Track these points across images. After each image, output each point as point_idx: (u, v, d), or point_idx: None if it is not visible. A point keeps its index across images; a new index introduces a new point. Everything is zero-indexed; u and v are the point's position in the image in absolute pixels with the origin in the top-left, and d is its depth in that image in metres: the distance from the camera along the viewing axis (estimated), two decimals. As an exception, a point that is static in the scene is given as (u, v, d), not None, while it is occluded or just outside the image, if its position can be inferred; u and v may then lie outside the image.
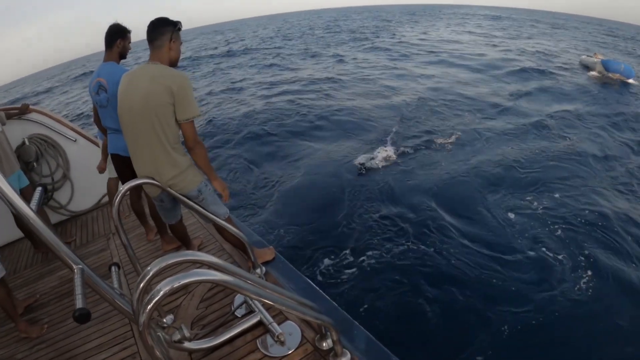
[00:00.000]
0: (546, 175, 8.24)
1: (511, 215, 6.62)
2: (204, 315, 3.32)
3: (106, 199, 5.98)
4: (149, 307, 1.47)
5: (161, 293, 1.47)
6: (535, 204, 7.03)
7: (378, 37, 38.73)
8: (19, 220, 4.14)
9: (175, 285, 1.50)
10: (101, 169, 4.51)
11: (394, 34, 40.59)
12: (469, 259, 5.56)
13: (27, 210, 1.55)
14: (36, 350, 3.57)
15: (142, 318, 1.49)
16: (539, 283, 5.11)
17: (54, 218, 5.90)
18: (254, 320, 3.01)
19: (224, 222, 3.22)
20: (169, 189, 3.02)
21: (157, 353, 1.72)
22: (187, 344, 2.64)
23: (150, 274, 1.60)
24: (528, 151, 9.62)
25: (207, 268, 1.67)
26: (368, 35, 40.89)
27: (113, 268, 2.41)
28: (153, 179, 2.99)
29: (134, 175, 3.26)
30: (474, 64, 21.96)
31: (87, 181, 5.86)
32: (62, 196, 5.95)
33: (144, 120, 2.85)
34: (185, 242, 3.85)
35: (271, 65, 26.04)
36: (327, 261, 5.63)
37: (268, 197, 8.02)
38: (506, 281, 5.12)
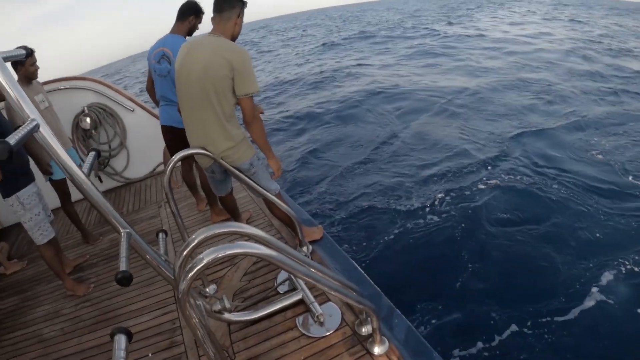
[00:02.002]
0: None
1: None
2: (246, 288, 3.38)
3: (160, 168, 6.16)
4: (190, 274, 1.49)
5: (204, 262, 1.48)
6: None
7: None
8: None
9: (218, 256, 1.51)
10: None
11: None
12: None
13: (79, 174, 1.59)
14: (81, 307, 3.77)
15: (182, 285, 1.51)
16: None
17: (109, 184, 6.16)
18: (295, 298, 3.02)
19: (274, 197, 3.23)
20: (221, 160, 3.05)
21: (195, 320, 1.75)
22: (226, 315, 2.68)
23: (195, 242, 1.62)
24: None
25: (253, 241, 1.66)
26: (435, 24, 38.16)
27: (160, 234, 2.47)
28: (206, 149, 3.03)
29: (184, 147, 3.33)
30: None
31: (142, 150, 6.05)
32: (118, 163, 6.21)
33: (201, 90, 2.88)
34: (234, 214, 3.90)
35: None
36: (375, 245, 5.56)
37: (325, 178, 7.99)
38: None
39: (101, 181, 6.10)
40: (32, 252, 3.90)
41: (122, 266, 1.56)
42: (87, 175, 1.64)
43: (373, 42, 28.80)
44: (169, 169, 2.92)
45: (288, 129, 11.67)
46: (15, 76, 1.43)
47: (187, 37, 3.94)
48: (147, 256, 1.87)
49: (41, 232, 3.70)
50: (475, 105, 11.39)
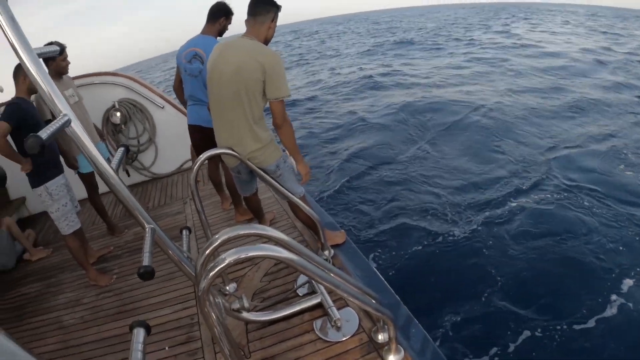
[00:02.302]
0: None
1: None
2: (266, 288, 3.41)
3: (187, 165, 6.25)
4: (212, 274, 1.51)
5: (225, 262, 1.50)
6: None
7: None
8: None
9: (240, 257, 1.53)
10: None
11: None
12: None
13: (108, 169, 1.63)
14: (102, 297, 3.86)
15: (203, 284, 1.53)
16: None
17: (137, 178, 6.27)
18: (314, 301, 3.03)
19: (298, 200, 3.24)
20: (247, 161, 3.08)
21: (213, 318, 1.76)
22: (244, 314, 2.69)
23: (218, 241, 1.65)
24: None
25: (274, 244, 1.68)
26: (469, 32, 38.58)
27: (184, 231, 2.51)
28: (232, 149, 3.07)
29: (212, 147, 3.37)
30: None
31: (170, 147, 6.15)
32: (146, 158, 6.34)
33: (232, 91, 2.92)
34: (258, 215, 3.93)
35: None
36: (398, 254, 5.53)
37: (353, 183, 7.98)
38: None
39: (129, 175, 6.23)
40: (58, 240, 4.00)
41: (145, 261, 1.59)
42: (116, 171, 1.68)
43: (415, 49, 28.73)
44: (195, 167, 2.96)
45: (322, 133, 11.71)
46: (46, 72, 1.48)
47: (218, 38, 4.01)
48: (170, 252, 1.91)
49: (67, 223, 3.80)
50: (512, 118, 11.20)
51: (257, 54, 2.83)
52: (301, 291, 3.26)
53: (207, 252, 1.66)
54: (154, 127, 6.21)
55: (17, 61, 1.47)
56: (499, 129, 10.37)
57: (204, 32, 3.94)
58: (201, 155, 2.99)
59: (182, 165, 6.34)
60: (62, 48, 2.00)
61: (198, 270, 1.67)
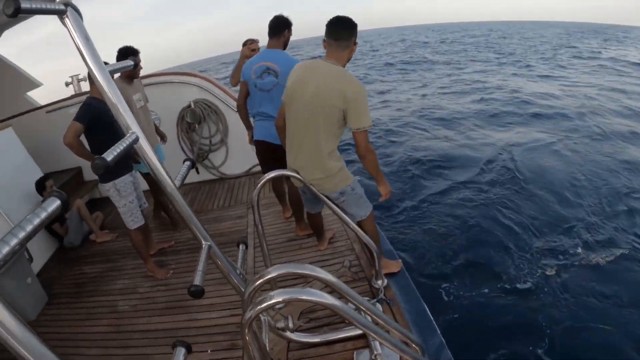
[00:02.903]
0: None
1: None
2: (313, 309, 3.43)
3: (255, 169, 6.38)
4: (259, 307, 1.53)
5: (272, 300, 1.53)
6: None
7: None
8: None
9: (291, 297, 1.56)
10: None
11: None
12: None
13: (171, 184, 1.70)
14: (156, 289, 4.04)
15: (249, 314, 1.57)
16: None
17: (205, 176, 6.51)
18: (358, 331, 3.00)
19: (356, 227, 3.25)
20: (311, 186, 3.12)
21: (253, 346, 1.81)
22: (288, 333, 2.74)
23: (269, 276, 1.68)
24: None
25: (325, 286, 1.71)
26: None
27: (241, 246, 2.58)
28: (299, 172, 3.12)
29: (277, 163, 3.54)
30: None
31: (241, 149, 6.31)
32: (216, 158, 6.60)
33: (309, 115, 2.95)
34: (318, 232, 3.98)
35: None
36: (454, 293, 5.40)
37: (422, 211, 7.79)
38: None
39: (198, 172, 6.45)
40: (123, 226, 4.19)
41: (197, 280, 1.64)
42: (179, 187, 1.76)
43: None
44: (259, 185, 3.02)
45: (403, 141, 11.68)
46: (117, 90, 1.58)
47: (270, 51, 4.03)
48: (223, 268, 1.96)
49: (132, 219, 3.99)
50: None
51: (341, 82, 2.82)
52: (347, 317, 3.26)
53: (257, 283, 1.69)
54: (226, 129, 6.42)
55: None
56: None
57: (270, 46, 3.98)
58: (266, 175, 3.04)
59: (250, 169, 6.50)
60: (136, 63, 2.11)
61: (246, 297, 1.72)
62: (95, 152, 3.71)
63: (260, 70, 3.90)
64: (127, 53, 4.05)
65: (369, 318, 1.86)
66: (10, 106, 6.91)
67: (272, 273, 1.67)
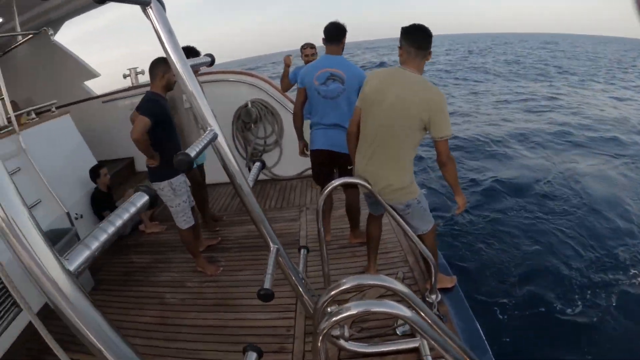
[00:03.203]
0: None
1: None
2: (366, 318, 3.33)
3: (308, 172, 6.31)
4: (334, 319, 1.48)
5: (349, 312, 1.49)
6: None
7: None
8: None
9: (368, 310, 1.53)
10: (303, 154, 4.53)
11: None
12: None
13: (245, 185, 1.67)
14: (205, 285, 4.01)
15: (323, 325, 1.52)
16: None
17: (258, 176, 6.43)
18: (411, 345, 2.93)
19: (417, 239, 3.15)
20: (378, 196, 3.04)
21: (322, 356, 1.75)
22: (341, 342, 2.67)
23: (344, 286, 1.65)
24: None
25: (397, 297, 1.64)
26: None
27: (302, 251, 2.52)
28: (367, 180, 3.05)
29: (335, 173, 3.70)
30: None
31: (295, 151, 6.22)
32: (269, 159, 6.57)
33: (389, 123, 2.89)
34: (375, 241, 3.84)
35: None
36: (507, 313, 5.23)
37: (479, 227, 7.60)
38: None
39: (250, 171, 6.34)
40: (173, 219, 4.20)
41: (267, 283, 1.63)
42: (251, 187, 1.72)
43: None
44: (326, 191, 2.95)
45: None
46: (199, 85, 1.55)
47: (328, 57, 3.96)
48: (289, 272, 1.92)
49: (185, 219, 3.95)
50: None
51: (424, 91, 2.80)
52: (400, 330, 3.16)
53: (332, 293, 1.65)
54: (282, 130, 6.39)
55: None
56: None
57: (331, 52, 3.88)
58: (334, 182, 2.99)
59: (303, 172, 6.44)
60: (213, 59, 2.07)
61: (319, 305, 1.66)
62: (153, 149, 3.68)
63: (324, 77, 3.79)
64: (187, 53, 4.09)
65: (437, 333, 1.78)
66: (69, 94, 7.10)
67: (350, 283, 1.63)
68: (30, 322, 3.68)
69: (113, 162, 6.51)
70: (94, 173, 5.14)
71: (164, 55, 1.54)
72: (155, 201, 1.11)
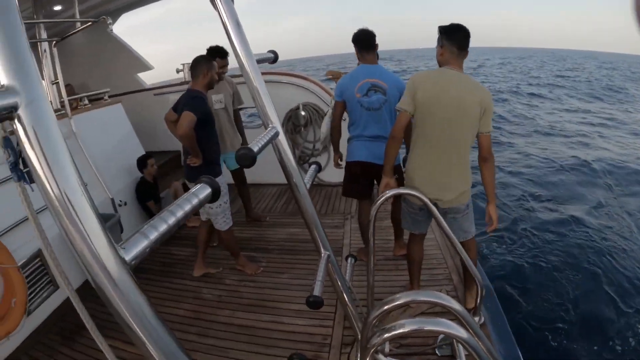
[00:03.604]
0: None
1: None
2: (406, 334, 3.21)
3: (354, 179, 6.27)
4: (386, 335, 1.40)
5: (403, 329, 1.40)
6: None
7: None
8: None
9: (422, 328, 1.43)
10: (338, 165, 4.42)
11: None
12: None
13: (302, 187, 1.62)
14: (244, 284, 3.98)
15: (374, 340, 1.44)
16: None
17: (303, 179, 6.41)
18: (451, 367, 2.81)
19: (467, 258, 3.01)
20: (432, 208, 2.88)
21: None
22: (381, 356, 2.58)
23: (398, 302, 1.58)
24: None
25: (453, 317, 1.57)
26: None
27: (350, 260, 2.45)
28: (419, 190, 2.90)
29: (373, 185, 3.61)
30: None
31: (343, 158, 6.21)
32: (316, 163, 6.40)
33: (453, 127, 2.85)
34: (416, 265, 3.72)
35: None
36: (556, 341, 4.95)
37: (530, 245, 7.29)
38: None
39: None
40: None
41: (316, 290, 1.58)
42: (308, 188, 1.67)
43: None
44: (379, 201, 2.84)
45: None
46: (263, 81, 1.52)
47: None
48: (337, 281, 1.86)
49: (225, 220, 3.92)
50: None
51: (479, 90, 2.84)
52: (440, 350, 3.05)
53: (385, 308, 1.58)
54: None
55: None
56: None
57: (368, 61, 3.78)
58: (388, 192, 2.83)
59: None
60: (276, 56, 2.03)
61: (370, 319, 1.60)
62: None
63: (365, 88, 3.69)
64: (214, 54, 4.22)
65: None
66: (122, 84, 7.27)
67: (404, 299, 1.56)
68: (63, 302, 3.75)
69: (160, 153, 6.59)
70: (142, 162, 5.21)
71: (203, 53, 1.52)
72: (218, 194, 1.06)
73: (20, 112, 0.67)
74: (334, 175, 6.36)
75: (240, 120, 5.01)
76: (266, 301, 3.68)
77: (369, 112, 3.72)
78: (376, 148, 3.70)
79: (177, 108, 3.73)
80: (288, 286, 3.85)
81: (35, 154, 0.68)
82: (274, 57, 1.98)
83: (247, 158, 1.28)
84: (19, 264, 3.04)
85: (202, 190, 1.01)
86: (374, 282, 3.08)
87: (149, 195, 5.24)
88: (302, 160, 6.44)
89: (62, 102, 4.72)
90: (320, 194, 6.18)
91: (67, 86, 8.04)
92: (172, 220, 0.89)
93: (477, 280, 3.06)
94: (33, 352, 3.38)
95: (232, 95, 4.78)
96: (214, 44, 4.54)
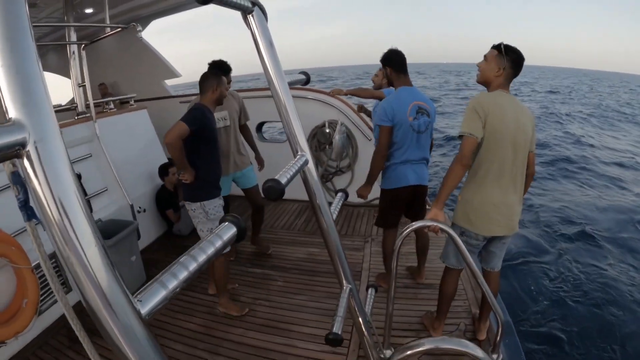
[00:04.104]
0: None
1: None
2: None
3: (376, 201, 6.17)
4: None
5: None
6: None
7: None
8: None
9: None
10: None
11: None
12: None
13: (329, 216, 1.56)
14: (258, 303, 3.96)
15: None
16: None
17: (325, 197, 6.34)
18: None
19: (490, 293, 2.90)
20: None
21: None
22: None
23: (419, 349, 1.68)
24: None
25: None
26: None
27: (370, 290, 2.37)
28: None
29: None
30: None
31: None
32: (340, 182, 6.49)
33: (518, 153, 2.84)
34: (448, 300, 3.59)
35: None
36: None
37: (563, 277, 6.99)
38: None
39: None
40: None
41: (336, 327, 1.50)
42: (334, 219, 1.61)
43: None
44: (406, 232, 2.71)
45: None
46: (292, 103, 1.46)
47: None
48: (358, 315, 1.80)
49: None
50: None
51: (528, 111, 2.91)
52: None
53: (408, 353, 1.67)
54: (356, 156, 6.30)
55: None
56: None
57: (406, 84, 3.71)
58: (440, 224, 2.72)
59: (371, 200, 6.30)
60: (308, 77, 1.96)
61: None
62: (189, 158, 3.49)
63: (414, 111, 3.62)
64: (217, 70, 3.96)
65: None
66: (149, 90, 7.37)
67: (427, 346, 1.51)
68: (74, 305, 3.71)
69: None
70: (164, 170, 5.22)
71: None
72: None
73: (29, 149, 0.61)
74: (356, 195, 6.32)
75: (250, 134, 4.79)
76: (280, 322, 3.61)
77: (418, 135, 3.66)
78: (421, 171, 3.74)
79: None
80: (304, 308, 3.77)
81: (45, 198, 0.62)
82: (306, 79, 1.94)
83: (275, 191, 1.20)
84: (33, 265, 3.01)
85: (226, 231, 0.93)
86: (393, 310, 3.00)
87: (168, 204, 5.23)
88: (325, 179, 6.41)
89: (87, 105, 4.74)
90: (342, 214, 6.07)
91: (101, 85, 8.19)
92: (193, 267, 0.80)
93: (497, 316, 2.94)
94: (40, 352, 3.38)
95: (239, 110, 4.56)
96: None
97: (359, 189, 3.99)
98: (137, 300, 0.70)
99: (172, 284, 0.76)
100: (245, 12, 1.29)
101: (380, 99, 4.21)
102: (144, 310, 0.70)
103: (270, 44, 1.36)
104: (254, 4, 1.29)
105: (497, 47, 3.39)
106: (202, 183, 3.56)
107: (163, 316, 3.71)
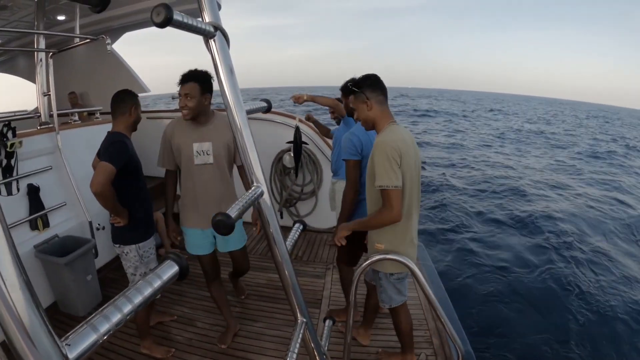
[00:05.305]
0: None
1: None
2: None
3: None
4: None
5: None
6: None
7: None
8: None
9: None
10: None
11: None
12: None
13: (283, 249, 1.55)
14: (216, 329, 3.88)
15: None
16: None
17: (287, 222, 6.36)
18: None
19: (446, 319, 2.87)
20: (415, 268, 2.82)
21: None
22: None
23: None
24: None
25: None
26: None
27: (328, 322, 2.35)
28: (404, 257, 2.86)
29: None
30: None
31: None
32: (303, 207, 6.47)
33: (417, 188, 2.84)
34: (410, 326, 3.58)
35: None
36: None
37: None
38: None
39: (282, 217, 6.39)
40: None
41: None
42: (290, 252, 1.60)
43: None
44: (364, 265, 2.69)
45: None
46: (249, 132, 1.45)
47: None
48: (314, 350, 1.79)
49: None
50: None
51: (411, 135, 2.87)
52: None
53: None
54: (321, 182, 6.30)
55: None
56: None
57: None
58: (375, 256, 2.64)
59: (333, 227, 6.32)
60: (270, 105, 1.91)
61: None
62: (118, 198, 3.04)
63: None
64: (202, 82, 3.23)
65: None
66: None
67: None
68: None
69: (147, 179, 6.46)
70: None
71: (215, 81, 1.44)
72: (186, 272, 0.94)
73: None
74: (319, 220, 6.30)
75: (247, 177, 4.08)
76: (237, 350, 3.56)
77: None
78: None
79: (99, 153, 3.14)
80: (262, 336, 3.73)
81: None
82: (267, 107, 1.92)
83: (225, 226, 1.17)
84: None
85: (167, 270, 0.89)
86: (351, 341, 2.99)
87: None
88: (289, 204, 6.40)
89: (51, 115, 4.64)
90: (303, 239, 6.07)
91: (71, 94, 8.02)
92: (128, 309, 0.77)
93: (457, 347, 2.94)
94: None
95: (231, 143, 3.40)
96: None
97: (336, 235, 3.19)
98: (65, 345, 0.68)
99: (104, 327, 0.73)
100: (207, 37, 1.28)
101: (336, 109, 4.33)
102: (72, 355, 0.67)
103: (230, 71, 1.35)
104: (217, 28, 1.29)
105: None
106: (136, 223, 3.23)
107: (118, 340, 3.64)
